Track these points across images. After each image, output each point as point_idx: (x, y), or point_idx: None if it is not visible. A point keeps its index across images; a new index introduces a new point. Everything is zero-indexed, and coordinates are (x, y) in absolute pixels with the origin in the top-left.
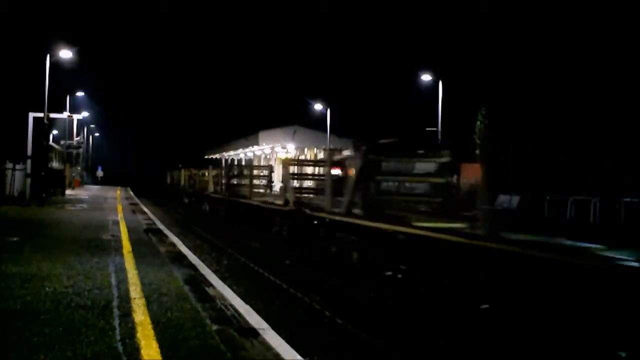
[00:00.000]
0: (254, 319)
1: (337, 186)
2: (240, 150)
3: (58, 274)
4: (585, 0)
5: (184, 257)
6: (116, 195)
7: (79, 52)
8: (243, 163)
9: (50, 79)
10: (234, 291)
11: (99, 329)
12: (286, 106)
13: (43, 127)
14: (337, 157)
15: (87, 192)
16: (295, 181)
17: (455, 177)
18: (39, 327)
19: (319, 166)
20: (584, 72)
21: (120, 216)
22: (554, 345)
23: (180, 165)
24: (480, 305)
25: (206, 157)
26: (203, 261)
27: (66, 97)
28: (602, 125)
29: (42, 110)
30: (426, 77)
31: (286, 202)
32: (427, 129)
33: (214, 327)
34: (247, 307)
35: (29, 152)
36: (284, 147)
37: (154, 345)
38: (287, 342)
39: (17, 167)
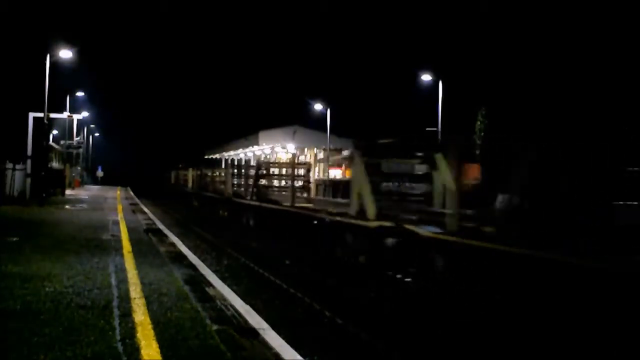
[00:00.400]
0: (254, 319)
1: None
2: (240, 150)
3: (58, 273)
4: (585, 0)
5: (184, 257)
6: (116, 195)
7: (79, 52)
8: (243, 163)
9: (50, 79)
10: (234, 291)
11: (99, 329)
12: (286, 106)
13: (43, 127)
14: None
15: (87, 192)
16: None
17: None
18: (39, 327)
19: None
20: (584, 72)
21: (120, 216)
22: (545, 344)
23: (180, 165)
24: (480, 305)
25: (206, 157)
26: (203, 261)
27: (66, 97)
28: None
29: (42, 110)
30: (426, 77)
31: (361, 214)
32: (427, 128)
33: (214, 327)
34: (247, 307)
35: (29, 152)
36: (284, 147)
37: (154, 345)
38: (287, 342)
39: (17, 167)
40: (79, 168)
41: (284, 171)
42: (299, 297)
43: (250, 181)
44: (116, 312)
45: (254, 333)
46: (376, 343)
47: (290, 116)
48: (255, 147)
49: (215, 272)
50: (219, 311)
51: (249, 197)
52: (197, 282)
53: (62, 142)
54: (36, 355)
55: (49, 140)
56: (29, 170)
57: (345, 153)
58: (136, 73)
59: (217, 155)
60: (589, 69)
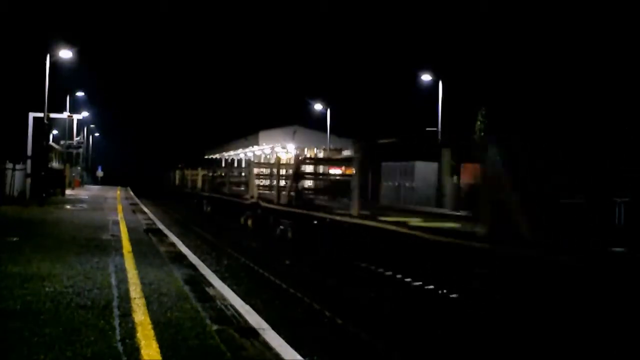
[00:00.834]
0: (254, 319)
1: None
2: (240, 151)
3: (58, 273)
4: (585, 0)
5: (184, 257)
6: (116, 196)
7: (79, 52)
8: (243, 164)
9: (51, 79)
10: (234, 291)
11: (99, 329)
12: (286, 106)
13: (43, 127)
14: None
15: (87, 192)
16: None
17: (455, 177)
18: (38, 327)
19: None
20: (584, 72)
21: (120, 216)
22: (541, 341)
23: (180, 165)
24: (478, 304)
25: (206, 157)
26: (203, 261)
27: (66, 97)
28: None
29: (42, 110)
30: (426, 77)
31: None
32: (427, 128)
33: (214, 327)
34: (247, 307)
35: (29, 152)
36: (284, 147)
37: (154, 345)
38: (287, 342)
39: (17, 167)
40: (79, 168)
41: (320, 169)
42: (298, 297)
43: (283, 182)
44: (116, 312)
45: (254, 333)
46: (363, 334)
47: (291, 116)
48: (256, 147)
49: (215, 272)
50: (219, 311)
51: (283, 202)
52: (197, 282)
53: (62, 142)
54: (36, 355)
55: (49, 140)
56: (29, 170)
57: (346, 153)
58: (136, 73)
59: (217, 155)
60: (589, 69)
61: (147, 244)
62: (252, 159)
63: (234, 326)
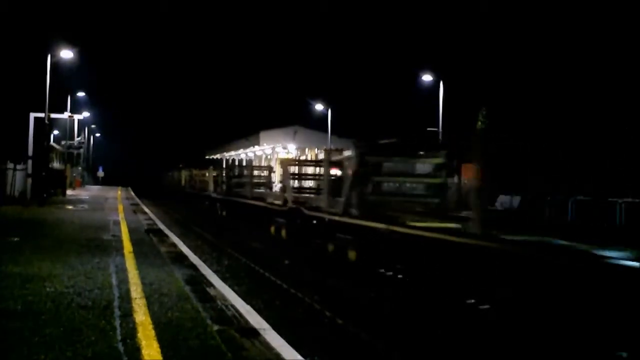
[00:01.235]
0: (255, 319)
1: None
2: (241, 151)
3: (59, 274)
4: (585, 0)
5: (185, 257)
6: (117, 196)
7: (79, 52)
8: (244, 164)
9: (51, 79)
10: (235, 291)
11: (99, 329)
12: (287, 106)
13: (44, 127)
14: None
15: (87, 192)
16: None
17: (455, 177)
18: (39, 327)
19: None
20: (585, 72)
21: (121, 216)
22: (553, 345)
23: (181, 165)
24: (479, 304)
25: (207, 157)
26: (204, 261)
27: (67, 97)
28: (602, 125)
29: (43, 111)
30: (427, 78)
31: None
32: (428, 129)
33: (215, 328)
34: (248, 307)
35: (30, 152)
36: (284, 148)
37: (155, 345)
38: (288, 342)
39: (18, 167)
40: (79, 168)
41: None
42: (299, 297)
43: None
44: (117, 312)
45: (254, 333)
46: (363, 332)
47: (291, 116)
48: (256, 147)
49: (216, 272)
50: (220, 311)
51: (337, 210)
52: (198, 283)
53: (63, 142)
54: (37, 355)
55: (49, 140)
56: (29, 171)
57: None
58: (136, 73)
59: (218, 156)
60: (589, 69)
61: (148, 244)
62: (252, 159)
63: (235, 326)
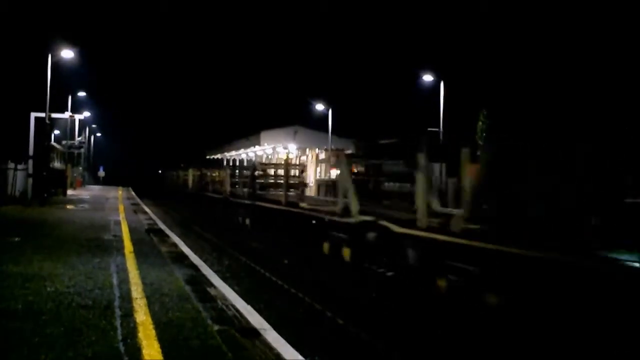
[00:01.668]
0: (255, 319)
1: None
2: (241, 151)
3: (59, 274)
4: (585, 0)
5: (186, 257)
6: (117, 196)
7: (80, 52)
8: (245, 164)
9: (52, 79)
10: (235, 291)
11: (100, 329)
12: (287, 106)
13: (44, 127)
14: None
15: (88, 192)
16: None
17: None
18: (40, 327)
19: None
20: (585, 72)
21: (121, 216)
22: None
23: (182, 165)
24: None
25: (207, 157)
26: (204, 261)
27: (68, 97)
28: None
29: (43, 110)
30: (428, 78)
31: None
32: (429, 129)
33: (215, 328)
34: (249, 307)
35: (31, 152)
36: (285, 148)
37: (156, 345)
38: (289, 342)
39: (19, 167)
40: (80, 168)
41: None
42: (299, 297)
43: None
44: (118, 312)
45: (255, 333)
46: (364, 333)
47: (292, 116)
48: (257, 147)
49: (216, 272)
50: (220, 311)
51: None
52: (199, 283)
53: (63, 142)
54: (37, 355)
55: (50, 140)
56: (30, 171)
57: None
58: (137, 73)
59: (219, 156)
60: (589, 69)
61: (148, 244)
62: (253, 159)
63: (235, 326)
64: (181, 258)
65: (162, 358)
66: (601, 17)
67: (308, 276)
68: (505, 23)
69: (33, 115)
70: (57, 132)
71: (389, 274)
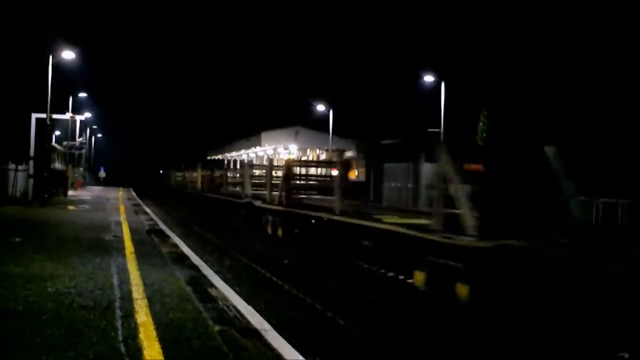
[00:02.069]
0: (256, 320)
1: None
2: (242, 151)
3: (60, 274)
4: (585, 0)
5: (186, 257)
6: (118, 196)
7: (81, 52)
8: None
9: (53, 80)
10: (236, 292)
11: (101, 330)
12: (288, 107)
13: (45, 127)
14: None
15: (89, 192)
16: None
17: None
18: (40, 328)
19: None
20: (585, 72)
21: (122, 217)
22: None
23: (183, 166)
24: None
25: (208, 157)
26: (205, 262)
27: (69, 97)
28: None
29: (44, 111)
30: (429, 78)
31: None
32: (430, 129)
33: (216, 328)
34: (250, 307)
35: (32, 152)
36: (286, 148)
37: (156, 346)
38: (289, 342)
39: (20, 167)
40: (81, 169)
41: None
42: (300, 298)
43: None
44: (118, 312)
45: (256, 334)
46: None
47: (293, 117)
48: (258, 148)
49: (217, 273)
50: (221, 312)
51: None
52: (200, 283)
53: (64, 143)
54: (38, 356)
55: (51, 141)
56: (31, 171)
57: (349, 154)
58: (138, 74)
59: (220, 156)
60: (590, 69)
61: (149, 245)
62: (254, 160)
63: (236, 327)
64: (182, 258)
65: (163, 358)
66: (601, 17)
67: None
68: (505, 23)
69: (34, 116)
70: (58, 132)
71: None
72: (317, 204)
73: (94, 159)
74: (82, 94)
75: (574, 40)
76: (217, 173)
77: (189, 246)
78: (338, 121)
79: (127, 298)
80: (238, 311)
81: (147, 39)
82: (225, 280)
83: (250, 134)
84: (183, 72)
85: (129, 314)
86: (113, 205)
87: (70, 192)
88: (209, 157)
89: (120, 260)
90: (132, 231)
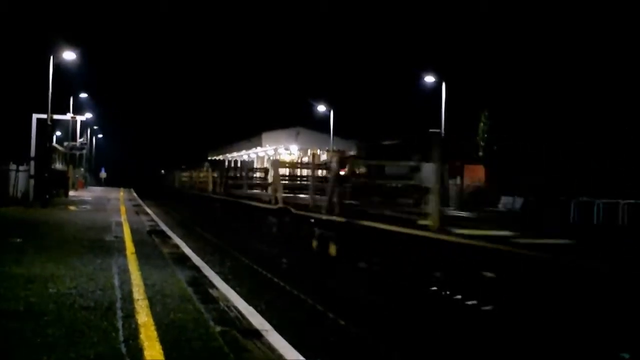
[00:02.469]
0: (257, 321)
1: None
2: (243, 152)
3: (61, 275)
4: (585, 0)
5: (187, 258)
6: (119, 197)
7: (81, 53)
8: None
9: (54, 81)
10: (237, 292)
11: (102, 330)
12: (289, 107)
13: (46, 128)
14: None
15: (90, 193)
16: None
17: (458, 178)
18: (41, 328)
19: None
20: (586, 72)
21: (123, 217)
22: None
23: (183, 166)
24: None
25: (209, 158)
26: (206, 262)
27: (69, 98)
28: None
29: (45, 112)
30: (429, 79)
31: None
32: (431, 130)
33: (217, 329)
34: (251, 308)
35: (32, 153)
36: (287, 149)
37: (157, 346)
38: (291, 343)
39: (21, 168)
40: (82, 169)
41: None
42: (302, 299)
43: None
44: (119, 313)
45: (257, 334)
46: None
47: (294, 117)
48: (259, 149)
49: (218, 273)
50: (222, 312)
51: None
52: (201, 284)
53: (65, 143)
54: (39, 356)
55: (52, 141)
56: (32, 172)
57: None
58: (138, 74)
59: (220, 157)
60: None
61: (150, 245)
62: (255, 161)
63: (237, 328)
64: (183, 259)
65: (163, 359)
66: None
67: None
68: (505, 23)
69: (35, 116)
70: (58, 133)
71: None
72: (383, 213)
73: (94, 160)
74: (83, 95)
75: (575, 40)
76: (232, 173)
77: (190, 247)
78: (339, 122)
79: (128, 299)
80: (239, 311)
81: (147, 39)
82: (226, 280)
83: (251, 134)
84: (183, 72)
85: (129, 315)
86: (114, 206)
87: (71, 193)
88: (209, 158)
89: (121, 260)
90: (133, 232)
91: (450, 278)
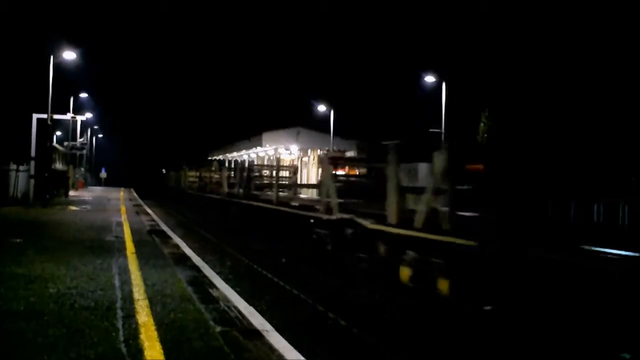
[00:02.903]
0: (258, 321)
1: None
2: (243, 152)
3: (61, 275)
4: (585, 0)
5: (188, 258)
6: (119, 197)
7: (82, 53)
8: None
9: (54, 81)
10: (238, 292)
11: (102, 330)
12: (290, 107)
13: (46, 128)
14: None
15: (90, 193)
16: None
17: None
18: (42, 328)
19: None
20: (586, 72)
21: (123, 217)
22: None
23: (183, 166)
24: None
25: (209, 158)
26: (207, 262)
27: (70, 98)
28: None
29: (45, 112)
30: (430, 79)
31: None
32: (431, 130)
33: (218, 329)
34: (251, 308)
35: (33, 153)
36: (287, 149)
37: (158, 346)
38: (291, 343)
39: (21, 168)
40: (82, 169)
41: None
42: (302, 299)
43: None
44: (120, 313)
45: (257, 334)
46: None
47: (294, 117)
48: (259, 149)
49: (218, 273)
50: (223, 312)
51: None
52: (201, 284)
53: (65, 143)
54: (39, 356)
55: (52, 141)
56: (32, 172)
57: (349, 154)
58: (138, 74)
59: (221, 157)
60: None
61: (150, 245)
62: (255, 161)
63: (238, 328)
64: (183, 259)
65: (164, 359)
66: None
67: None
68: (505, 23)
69: (35, 116)
70: (59, 133)
71: None
72: None
73: (95, 160)
74: (83, 95)
75: (575, 40)
76: (257, 172)
77: (190, 247)
78: (339, 122)
79: (128, 299)
80: (239, 312)
81: (147, 39)
82: (227, 280)
83: (251, 134)
84: (184, 72)
85: (130, 315)
86: (114, 206)
87: (72, 193)
88: (210, 157)
89: (122, 260)
90: (134, 232)
91: None
